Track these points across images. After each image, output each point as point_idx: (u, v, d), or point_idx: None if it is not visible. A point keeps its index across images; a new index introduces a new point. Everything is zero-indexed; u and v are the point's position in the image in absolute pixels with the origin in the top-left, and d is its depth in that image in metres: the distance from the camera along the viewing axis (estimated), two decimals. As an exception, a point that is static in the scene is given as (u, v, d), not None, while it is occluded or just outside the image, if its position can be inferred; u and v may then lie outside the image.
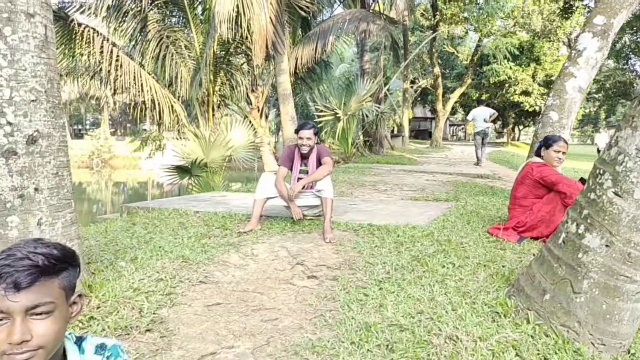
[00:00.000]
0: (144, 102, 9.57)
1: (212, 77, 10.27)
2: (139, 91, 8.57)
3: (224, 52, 11.20)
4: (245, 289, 3.05)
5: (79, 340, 1.20)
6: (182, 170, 8.68)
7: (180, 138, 11.13)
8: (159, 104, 8.86)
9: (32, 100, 2.36)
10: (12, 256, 1.01)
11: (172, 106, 9.19)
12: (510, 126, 36.81)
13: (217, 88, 10.92)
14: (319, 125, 12.46)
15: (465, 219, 4.64)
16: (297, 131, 4.59)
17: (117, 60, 8.30)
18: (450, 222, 4.50)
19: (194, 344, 2.34)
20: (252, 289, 3.05)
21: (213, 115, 10.62)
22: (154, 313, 2.59)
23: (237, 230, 4.30)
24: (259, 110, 14.56)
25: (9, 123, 2.27)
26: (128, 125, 52.37)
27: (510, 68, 25.61)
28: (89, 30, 8.85)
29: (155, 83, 9.19)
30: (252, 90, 13.66)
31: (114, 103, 42.04)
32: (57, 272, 1.04)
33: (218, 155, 8.85)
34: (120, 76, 8.57)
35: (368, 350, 2.15)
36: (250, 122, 12.81)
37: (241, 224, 4.59)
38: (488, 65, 26.32)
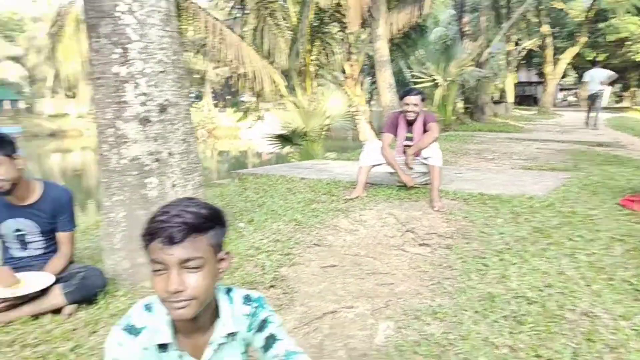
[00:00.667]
0: (244, 74, 9.89)
1: (308, 47, 10.32)
2: (241, 63, 8.89)
3: (319, 21, 11.16)
4: (357, 253, 3.08)
5: (228, 291, 1.27)
6: (284, 139, 8.95)
7: (278, 108, 11.42)
8: (259, 75, 9.13)
9: (161, 72, 2.51)
10: (167, 213, 1.09)
11: (271, 77, 9.43)
12: (633, 89, 32.86)
13: (313, 58, 10.97)
14: (417, 92, 12.06)
15: (591, 190, 4.25)
16: (402, 97, 4.46)
17: (220, 34, 8.65)
18: (573, 192, 4.14)
19: (314, 301, 2.42)
20: (364, 253, 3.07)
21: (310, 84, 10.72)
22: (275, 271, 2.72)
23: (344, 197, 4.34)
24: (353, 79, 14.45)
25: (144, 93, 2.44)
26: (228, 97, 55.03)
27: (634, 23, 22.62)
28: (194, 6, 9.28)
29: (256, 55, 9.45)
30: (347, 59, 13.54)
31: (216, 76, 44.30)
32: (205, 230, 1.11)
33: (317, 124, 8.96)
34: (224, 50, 8.92)
35: (494, 321, 2.07)
36: (345, 91, 12.76)
37: (346, 190, 4.62)
38: (606, 22, 23.48)
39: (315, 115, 9.02)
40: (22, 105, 47.22)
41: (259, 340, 1.26)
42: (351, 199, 4.25)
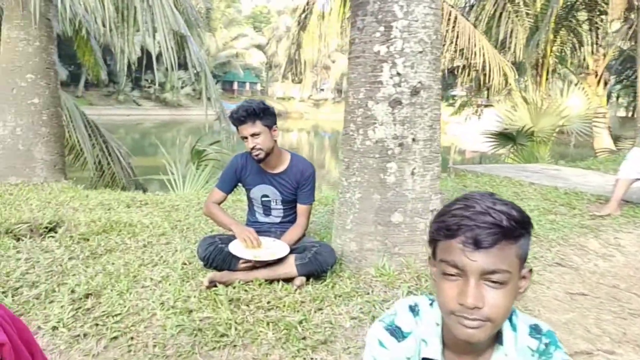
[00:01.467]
0: (472, 65, 9.31)
1: (551, 37, 9.15)
2: (471, 53, 8.36)
3: (567, 8, 9.79)
4: (615, 284, 2.51)
5: (510, 315, 1.02)
6: (505, 138, 8.18)
7: (491, 104, 10.50)
8: (488, 66, 8.47)
9: (419, 52, 2.37)
10: (471, 208, 0.88)
11: (502, 69, 8.68)
12: None
13: (554, 49, 9.70)
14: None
15: None
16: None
17: (454, 22, 8.26)
18: None
19: (560, 333, 2.01)
20: (625, 287, 2.48)
21: (546, 79, 9.54)
22: (508, 286, 2.37)
23: (590, 212, 3.65)
24: (596, 76, 12.41)
25: (398, 74, 2.34)
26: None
27: None
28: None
29: (488, 44, 8.79)
30: (593, 52, 11.66)
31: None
32: (516, 238, 0.87)
33: (548, 124, 7.92)
34: (454, 38, 8.50)
35: None
36: (584, 89, 11.04)
37: (592, 205, 3.89)
38: None
39: (547, 114, 7.98)
40: (258, 87, 54.83)
41: None
42: (601, 216, 3.55)
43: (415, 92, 2.37)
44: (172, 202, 3.95)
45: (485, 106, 13.93)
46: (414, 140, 2.40)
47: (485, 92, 11.70)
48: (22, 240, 2.79)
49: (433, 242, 0.95)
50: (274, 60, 54.00)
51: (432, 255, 0.96)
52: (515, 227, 0.87)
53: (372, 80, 2.37)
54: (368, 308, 2.12)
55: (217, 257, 2.35)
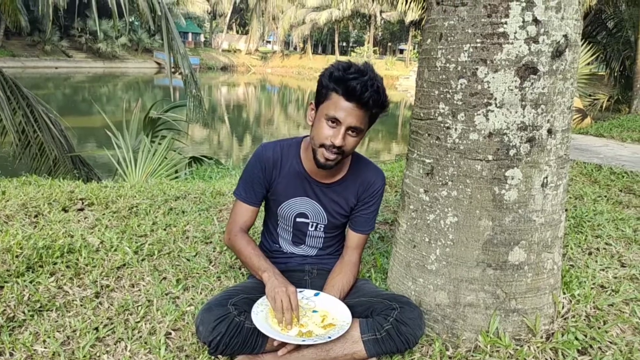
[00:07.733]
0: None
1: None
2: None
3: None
4: None
5: None
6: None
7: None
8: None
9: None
10: None
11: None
12: None
13: None
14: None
15: None
16: None
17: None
18: None
19: None
20: None
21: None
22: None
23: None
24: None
25: (535, 21, 1.38)
26: (389, 44, 53.10)
27: None
28: None
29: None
30: None
31: (381, 20, 42.66)
32: None
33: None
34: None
35: None
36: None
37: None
38: None
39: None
40: (202, 38, 51.49)
41: None
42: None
43: (558, 52, 1.43)
44: (128, 201, 2.85)
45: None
46: (549, 132, 1.48)
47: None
48: None
49: None
50: (218, 9, 50.67)
51: None
52: None
53: (487, 32, 1.40)
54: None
55: (234, 339, 1.37)
